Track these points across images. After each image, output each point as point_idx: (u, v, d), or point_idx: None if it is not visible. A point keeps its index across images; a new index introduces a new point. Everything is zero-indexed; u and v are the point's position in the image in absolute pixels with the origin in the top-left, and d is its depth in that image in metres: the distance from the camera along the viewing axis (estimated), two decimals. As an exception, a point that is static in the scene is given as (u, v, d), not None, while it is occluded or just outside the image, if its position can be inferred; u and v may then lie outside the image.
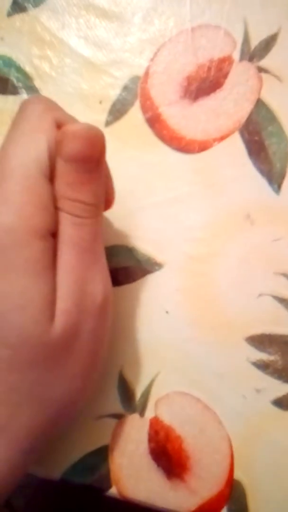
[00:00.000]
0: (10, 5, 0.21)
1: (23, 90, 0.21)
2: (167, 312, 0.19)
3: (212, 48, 0.19)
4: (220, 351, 0.18)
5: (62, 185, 0.13)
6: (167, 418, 0.18)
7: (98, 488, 0.18)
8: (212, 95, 0.19)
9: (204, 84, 0.19)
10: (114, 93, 0.20)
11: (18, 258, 0.13)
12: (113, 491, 0.18)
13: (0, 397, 0.13)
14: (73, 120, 0.15)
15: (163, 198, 0.19)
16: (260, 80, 0.19)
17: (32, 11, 0.21)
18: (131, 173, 0.19)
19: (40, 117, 0.14)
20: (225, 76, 0.19)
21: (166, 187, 0.19)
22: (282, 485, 0.17)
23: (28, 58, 0.21)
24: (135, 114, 0.20)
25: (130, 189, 0.19)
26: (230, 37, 0.19)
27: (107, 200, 0.17)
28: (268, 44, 0.19)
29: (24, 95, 0.21)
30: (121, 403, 0.18)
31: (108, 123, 0.20)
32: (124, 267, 0.19)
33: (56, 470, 0.18)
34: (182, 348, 0.18)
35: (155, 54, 0.20)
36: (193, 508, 0.17)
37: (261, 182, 0.19)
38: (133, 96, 0.20)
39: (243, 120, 0.19)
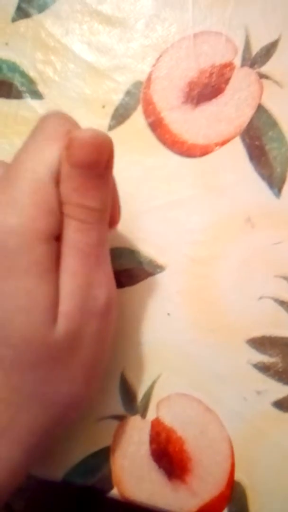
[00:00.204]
0: (14, 10, 0.22)
1: (27, 95, 0.21)
2: (168, 314, 0.19)
3: (214, 54, 0.20)
4: (221, 353, 0.18)
5: (68, 190, 0.14)
6: (168, 419, 0.18)
7: (100, 489, 0.18)
8: (214, 101, 0.19)
9: (206, 89, 0.20)
10: (117, 98, 0.20)
11: (22, 259, 0.13)
12: (114, 492, 0.18)
13: (2, 397, 0.13)
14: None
15: (165, 202, 0.20)
16: (261, 86, 0.19)
17: (37, 17, 0.21)
18: (133, 176, 0.20)
19: (55, 128, 0.14)
20: (227, 82, 0.19)
21: (168, 190, 0.20)
22: (283, 486, 0.17)
23: (32, 63, 0.21)
24: (137, 118, 0.20)
25: (132, 193, 0.20)
26: (231, 44, 0.20)
27: (112, 219, 0.17)
28: (269, 50, 0.19)
29: (28, 100, 0.21)
30: (122, 404, 0.19)
31: (111, 128, 0.20)
32: (126, 269, 0.19)
33: (58, 471, 0.18)
34: (184, 350, 0.18)
35: (158, 60, 0.20)
36: (194, 509, 0.18)
37: (262, 186, 0.19)
38: (136, 101, 0.20)
39: (244, 125, 0.19)
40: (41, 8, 0.21)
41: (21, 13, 0.22)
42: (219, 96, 0.19)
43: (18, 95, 0.21)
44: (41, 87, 0.21)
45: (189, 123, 0.20)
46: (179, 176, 0.19)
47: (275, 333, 0.18)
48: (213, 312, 0.18)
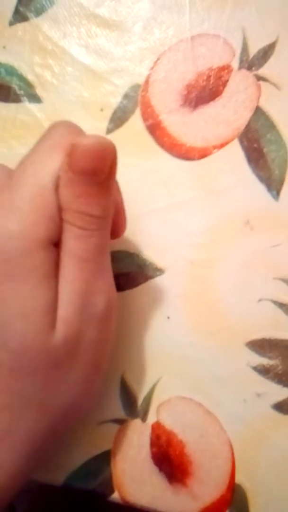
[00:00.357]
0: (12, 14, 0.22)
1: (25, 98, 0.21)
2: (168, 317, 0.19)
3: (211, 57, 0.20)
4: (221, 356, 0.18)
5: (69, 197, 0.13)
6: (168, 423, 0.18)
7: (101, 493, 0.18)
8: (212, 103, 0.19)
9: (204, 92, 0.20)
10: (115, 101, 0.20)
11: (22, 265, 0.13)
12: (115, 496, 0.18)
13: (3, 402, 0.13)
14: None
15: (163, 205, 0.20)
16: (259, 88, 0.19)
17: (34, 20, 0.21)
18: (132, 180, 0.20)
19: (61, 136, 0.14)
20: (224, 84, 0.19)
21: (166, 193, 0.20)
22: (283, 488, 0.17)
23: (30, 66, 0.21)
24: (135, 121, 0.20)
25: (131, 196, 0.19)
26: (229, 46, 0.20)
27: (118, 227, 0.17)
28: (266, 53, 0.19)
29: (26, 103, 0.21)
30: (123, 408, 0.19)
31: (109, 131, 0.20)
32: (126, 273, 0.19)
33: (59, 475, 0.18)
34: (183, 353, 0.19)
35: (155, 62, 0.20)
36: (195, 512, 0.18)
37: (260, 188, 0.19)
38: (134, 104, 0.20)
39: (242, 127, 0.19)
40: (39, 12, 0.21)
41: (19, 16, 0.22)
42: (217, 99, 0.19)
43: (16, 99, 0.21)
44: (39, 91, 0.21)
45: (188, 126, 0.20)
46: (178, 179, 0.19)
47: (274, 336, 0.18)
48: (212, 315, 0.18)
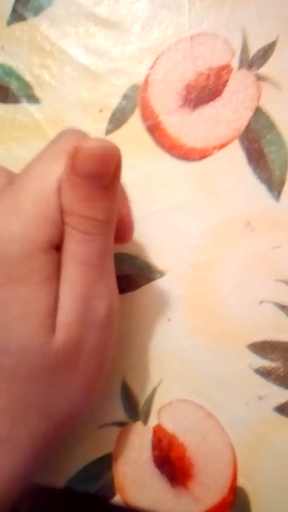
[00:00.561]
0: (9, 13, 0.21)
1: (24, 99, 0.21)
2: (169, 319, 0.19)
3: (211, 56, 0.20)
4: (222, 358, 0.18)
5: (72, 201, 0.13)
6: (170, 425, 0.18)
7: (102, 496, 0.18)
8: (212, 103, 0.19)
9: (203, 92, 0.19)
10: (114, 101, 0.20)
11: (23, 268, 0.13)
12: (117, 499, 0.18)
13: (3, 406, 0.13)
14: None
15: (163, 206, 0.19)
16: (259, 88, 0.19)
17: (32, 20, 0.21)
18: (131, 181, 0.19)
19: (68, 142, 0.14)
20: (224, 84, 0.19)
21: (166, 195, 0.19)
22: (286, 491, 0.17)
23: (28, 67, 0.21)
24: (135, 122, 0.20)
25: (130, 198, 0.19)
26: (228, 46, 0.19)
27: (125, 232, 0.17)
28: (266, 52, 0.19)
29: (24, 104, 0.21)
30: (124, 411, 0.19)
31: (108, 132, 0.20)
32: (126, 275, 0.19)
33: (60, 478, 0.18)
34: (185, 356, 0.18)
35: (154, 62, 0.20)
36: (197, 515, 0.18)
37: (261, 189, 0.19)
38: (133, 104, 0.20)
39: (243, 128, 0.19)
40: (37, 11, 0.21)
41: (17, 16, 0.21)
42: (217, 99, 0.19)
43: (14, 100, 0.21)
44: (37, 91, 0.21)
45: (187, 126, 0.19)
46: (178, 180, 0.19)
47: (276, 338, 0.18)
48: (213, 317, 0.18)
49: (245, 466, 0.18)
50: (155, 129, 0.20)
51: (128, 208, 0.17)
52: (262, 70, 0.19)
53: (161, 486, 0.18)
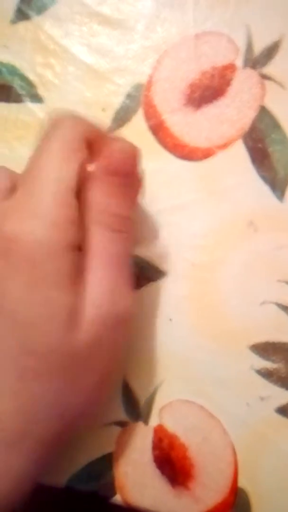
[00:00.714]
0: (13, 12, 0.21)
1: (27, 98, 0.21)
2: (170, 319, 0.19)
3: (215, 55, 0.19)
4: (224, 359, 0.18)
5: (105, 200, 0.14)
6: (171, 426, 0.18)
7: (103, 495, 0.18)
8: (215, 103, 0.19)
9: (207, 91, 0.19)
10: (117, 100, 0.20)
11: (50, 270, 0.13)
12: (117, 498, 0.18)
13: (18, 407, 0.13)
14: (101, 133, 0.15)
15: (166, 206, 0.19)
16: (263, 87, 0.19)
17: (36, 19, 0.21)
18: (134, 180, 0.20)
19: (73, 136, 0.14)
20: (228, 83, 0.19)
21: (169, 194, 0.19)
22: (286, 492, 0.17)
23: (32, 66, 0.21)
24: (138, 121, 0.20)
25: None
26: (233, 44, 0.19)
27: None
28: (271, 51, 0.19)
29: (28, 103, 0.21)
30: (125, 411, 0.19)
31: (111, 131, 0.20)
32: (128, 275, 0.19)
33: (61, 477, 0.18)
34: (186, 356, 0.18)
35: (158, 61, 0.20)
36: (198, 516, 0.17)
37: (265, 189, 0.19)
38: (136, 103, 0.20)
39: (247, 127, 0.19)
40: (40, 10, 0.21)
41: (20, 15, 0.21)
42: (220, 98, 0.19)
43: (17, 99, 0.21)
44: (41, 91, 0.21)
45: (191, 125, 0.19)
46: (181, 180, 0.19)
47: (278, 339, 0.18)
48: (215, 317, 0.18)
49: (246, 467, 0.18)
50: (158, 128, 0.20)
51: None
52: (267, 69, 0.19)
53: (161, 486, 0.18)
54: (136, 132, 0.20)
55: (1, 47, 0.21)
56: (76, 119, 0.15)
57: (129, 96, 0.20)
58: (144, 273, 0.19)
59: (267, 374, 0.18)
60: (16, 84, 0.21)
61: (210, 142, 0.19)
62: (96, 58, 0.21)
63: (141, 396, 0.19)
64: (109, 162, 0.14)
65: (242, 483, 0.18)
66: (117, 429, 0.18)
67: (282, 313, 0.18)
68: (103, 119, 0.20)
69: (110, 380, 0.16)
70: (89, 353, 0.14)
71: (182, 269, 0.19)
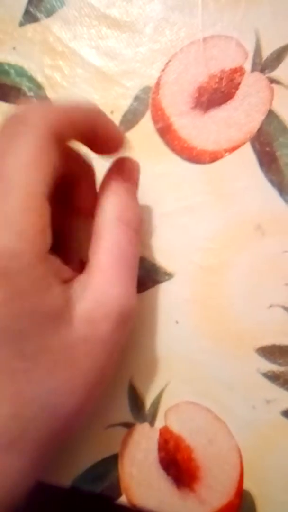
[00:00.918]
0: (22, 15, 0.22)
1: (35, 100, 0.21)
2: (177, 322, 0.19)
3: (224, 59, 0.19)
4: (230, 361, 0.18)
5: (128, 205, 0.16)
6: (176, 428, 0.18)
7: (108, 496, 0.18)
8: (224, 106, 0.19)
9: (216, 95, 0.19)
10: (125, 103, 0.20)
11: (26, 280, 0.13)
12: (122, 499, 0.18)
13: (13, 412, 0.13)
14: (70, 112, 0.14)
15: (173, 208, 0.19)
16: (272, 91, 0.19)
17: (44, 21, 0.21)
18: (141, 183, 0.19)
19: (42, 133, 0.13)
20: (237, 87, 0.19)
21: (176, 197, 0.19)
22: (292, 496, 0.17)
23: (40, 68, 0.21)
24: (146, 124, 0.20)
25: (140, 200, 0.19)
26: (241, 48, 0.19)
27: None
28: (279, 55, 0.19)
29: (36, 105, 0.21)
30: (131, 412, 0.19)
31: (119, 133, 0.20)
32: (135, 277, 0.19)
33: (67, 478, 0.19)
34: (192, 358, 0.18)
35: (167, 64, 0.20)
36: (203, 518, 0.18)
37: (272, 192, 0.19)
38: (145, 106, 0.20)
39: (255, 131, 0.19)
40: (49, 13, 0.21)
41: (29, 17, 0.21)
42: (229, 102, 0.19)
43: (26, 101, 0.21)
44: (49, 92, 0.21)
45: (199, 129, 0.19)
46: (188, 182, 0.19)
47: (284, 342, 0.18)
48: (222, 320, 0.18)
49: (252, 470, 0.18)
50: (166, 131, 0.20)
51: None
52: (275, 73, 0.19)
53: (167, 487, 0.18)
54: (144, 134, 0.20)
55: (10, 49, 0.22)
56: (43, 111, 0.14)
57: (137, 98, 0.20)
58: (151, 275, 0.19)
59: (273, 377, 0.18)
60: (25, 85, 0.21)
61: (218, 145, 0.19)
62: (104, 60, 0.21)
63: (147, 398, 0.19)
64: (134, 175, 0.16)
65: (247, 485, 0.18)
66: (122, 430, 0.19)
67: (288, 316, 0.18)
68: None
69: (106, 380, 0.15)
70: (84, 349, 0.14)
71: (189, 271, 0.19)
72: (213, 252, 0.19)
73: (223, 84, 0.19)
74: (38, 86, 0.21)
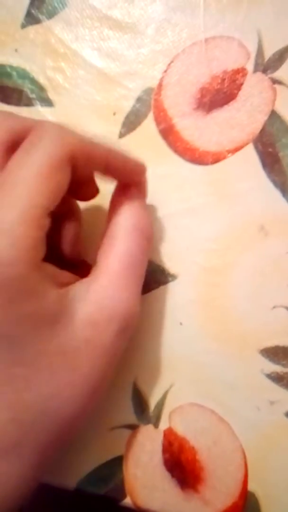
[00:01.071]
0: (24, 16, 0.22)
1: (37, 102, 0.21)
2: (181, 323, 0.19)
3: (226, 60, 0.19)
4: (234, 363, 0.18)
5: (141, 211, 0.16)
6: (181, 429, 0.18)
7: (113, 498, 0.18)
8: (226, 107, 0.19)
9: (218, 95, 0.19)
10: (127, 104, 0.20)
11: (19, 287, 0.13)
12: (127, 501, 0.18)
13: (13, 417, 0.13)
14: (87, 142, 0.15)
15: (176, 209, 0.19)
16: (274, 91, 0.19)
17: (46, 23, 0.21)
18: (144, 184, 0.20)
19: (57, 152, 0.13)
20: (239, 87, 0.19)
21: (179, 198, 0.19)
22: (296, 497, 0.17)
23: (42, 69, 0.21)
24: (148, 125, 0.20)
25: (143, 201, 0.19)
26: (243, 48, 0.19)
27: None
28: (282, 55, 0.19)
29: (38, 107, 0.21)
30: (135, 414, 0.19)
31: (121, 135, 0.20)
32: (138, 278, 0.19)
33: (71, 480, 0.19)
34: (196, 360, 0.18)
35: (169, 65, 0.20)
36: (207, 519, 0.18)
37: (275, 193, 0.19)
38: (147, 107, 0.20)
39: (257, 131, 0.19)
40: (51, 14, 0.21)
41: (31, 19, 0.21)
42: (231, 103, 0.19)
43: (28, 103, 0.21)
44: (51, 94, 0.21)
45: (201, 130, 0.19)
46: (191, 183, 0.19)
47: (288, 343, 0.18)
48: (226, 321, 0.18)
49: (256, 471, 0.18)
50: (168, 133, 0.20)
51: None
52: (278, 73, 0.19)
53: (171, 489, 0.18)
54: (146, 136, 0.20)
55: (12, 51, 0.22)
56: (63, 132, 0.14)
57: (139, 100, 0.20)
58: (155, 277, 0.19)
59: (277, 378, 0.18)
60: (27, 87, 0.21)
61: (220, 146, 0.19)
62: (106, 62, 0.21)
63: (151, 400, 0.19)
64: (145, 185, 0.17)
65: (251, 486, 0.18)
66: (127, 432, 0.19)
67: (292, 317, 0.18)
68: (113, 123, 0.20)
69: (106, 384, 0.15)
70: (85, 352, 0.14)
71: (192, 272, 0.19)
72: (217, 253, 0.19)
73: (226, 85, 0.19)
74: (40, 88, 0.21)
